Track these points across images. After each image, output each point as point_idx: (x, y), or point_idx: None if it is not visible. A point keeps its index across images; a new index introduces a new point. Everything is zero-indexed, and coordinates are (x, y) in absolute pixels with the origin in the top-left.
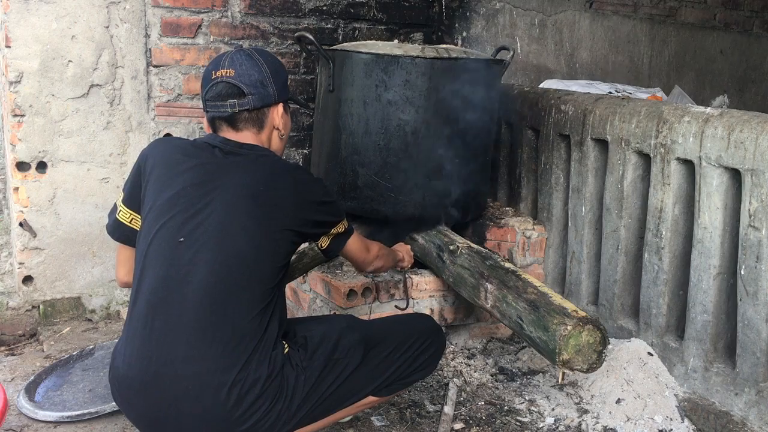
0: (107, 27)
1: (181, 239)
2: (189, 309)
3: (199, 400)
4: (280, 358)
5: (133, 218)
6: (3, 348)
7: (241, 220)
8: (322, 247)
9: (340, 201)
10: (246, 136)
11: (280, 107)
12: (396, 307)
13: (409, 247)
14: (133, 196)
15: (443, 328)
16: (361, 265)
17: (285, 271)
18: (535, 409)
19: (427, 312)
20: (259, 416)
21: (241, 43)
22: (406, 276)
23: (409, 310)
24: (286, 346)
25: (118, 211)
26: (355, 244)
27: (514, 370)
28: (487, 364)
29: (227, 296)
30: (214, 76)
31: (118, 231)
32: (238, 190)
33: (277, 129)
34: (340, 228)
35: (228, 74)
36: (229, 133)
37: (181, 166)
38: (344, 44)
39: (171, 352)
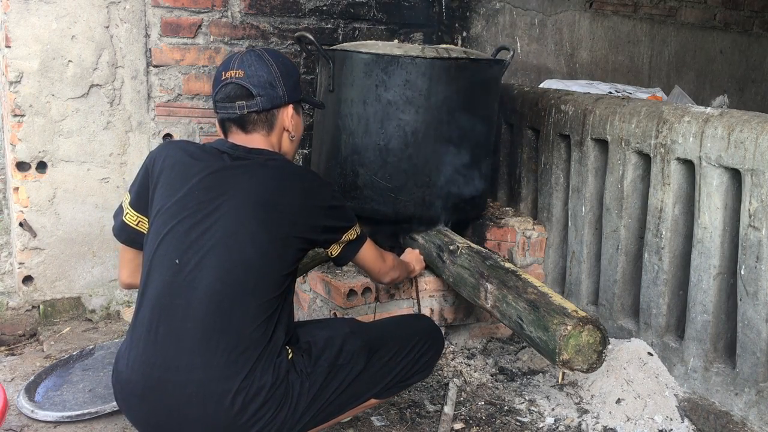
0: (107, 27)
1: (177, 260)
2: (194, 315)
3: (203, 407)
4: (284, 364)
5: (140, 221)
6: (3, 348)
7: (248, 226)
8: (332, 255)
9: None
10: (255, 138)
11: (289, 109)
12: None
13: (418, 251)
14: (141, 198)
15: (443, 329)
16: (377, 274)
17: (292, 278)
18: (535, 409)
19: (427, 312)
20: (264, 423)
21: (241, 43)
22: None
23: (409, 310)
24: (289, 351)
25: (124, 214)
26: (369, 252)
27: (514, 370)
28: (487, 364)
29: (233, 303)
30: (223, 78)
31: (125, 233)
32: (246, 196)
33: (287, 131)
34: (352, 235)
35: (237, 75)
36: (238, 135)
37: (190, 170)
38: (344, 44)
39: (175, 358)
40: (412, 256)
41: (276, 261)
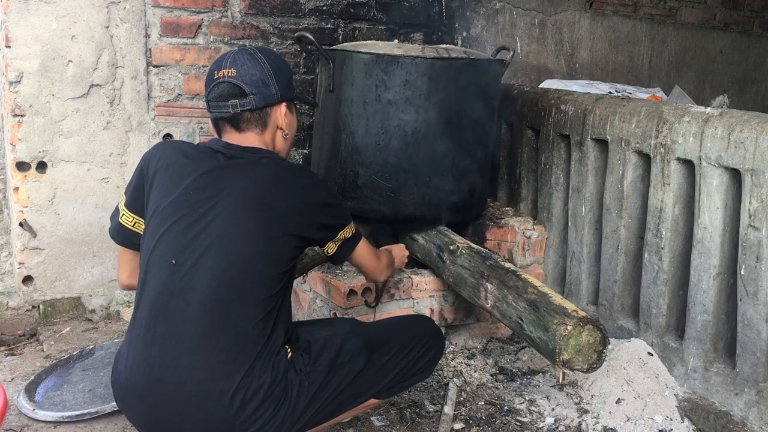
0: (107, 27)
1: (174, 260)
2: (192, 315)
3: (203, 406)
4: (283, 363)
5: (136, 222)
6: (3, 348)
7: (244, 225)
8: (328, 253)
9: (345, 204)
10: (249, 137)
11: (282, 107)
12: (366, 302)
13: (396, 243)
14: (136, 199)
15: (443, 329)
16: (373, 273)
17: (290, 276)
18: (535, 409)
19: (427, 312)
20: (263, 422)
21: (241, 43)
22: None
23: (409, 310)
24: (289, 350)
25: (120, 215)
26: (364, 250)
27: (514, 370)
28: (487, 364)
29: (230, 302)
30: (216, 76)
31: (121, 235)
32: (241, 195)
33: (281, 129)
34: (347, 233)
35: (230, 74)
36: (232, 134)
37: (184, 170)
38: (344, 44)
39: (174, 358)
40: (397, 251)
41: (273, 259)
